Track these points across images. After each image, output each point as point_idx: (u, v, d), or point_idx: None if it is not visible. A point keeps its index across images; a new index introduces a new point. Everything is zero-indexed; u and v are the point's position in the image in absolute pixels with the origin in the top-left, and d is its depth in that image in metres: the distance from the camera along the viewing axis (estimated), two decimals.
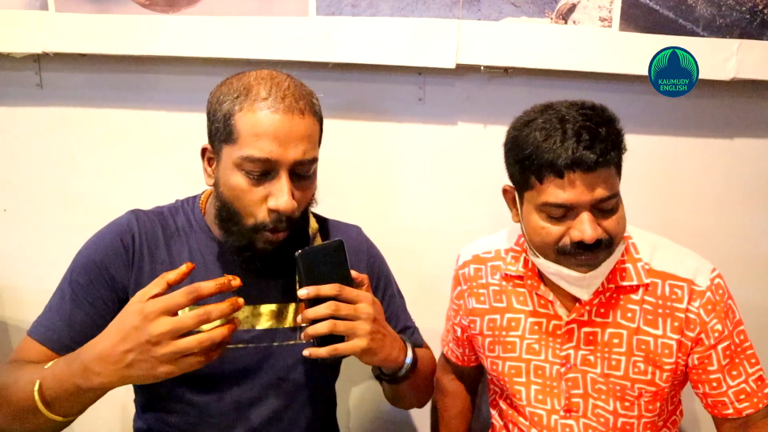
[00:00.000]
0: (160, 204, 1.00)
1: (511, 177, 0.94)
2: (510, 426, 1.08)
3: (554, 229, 0.87)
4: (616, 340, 0.96)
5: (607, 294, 0.96)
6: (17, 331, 1.50)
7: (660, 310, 0.94)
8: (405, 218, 1.39)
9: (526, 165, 0.87)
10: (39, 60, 1.38)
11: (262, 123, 0.82)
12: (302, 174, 0.86)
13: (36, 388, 0.74)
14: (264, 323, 0.93)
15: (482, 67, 1.27)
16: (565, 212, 0.86)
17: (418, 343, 1.09)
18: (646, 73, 1.23)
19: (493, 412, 1.15)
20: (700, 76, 1.14)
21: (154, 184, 1.41)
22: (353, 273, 0.83)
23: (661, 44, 1.21)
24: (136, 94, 1.39)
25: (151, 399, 0.95)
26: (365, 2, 1.24)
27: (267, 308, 0.94)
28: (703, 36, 1.22)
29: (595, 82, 1.29)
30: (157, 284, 0.72)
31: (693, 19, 1.21)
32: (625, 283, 0.95)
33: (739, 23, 1.21)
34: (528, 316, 1.01)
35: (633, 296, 0.96)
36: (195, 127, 1.38)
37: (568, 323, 0.97)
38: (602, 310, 0.96)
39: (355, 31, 1.25)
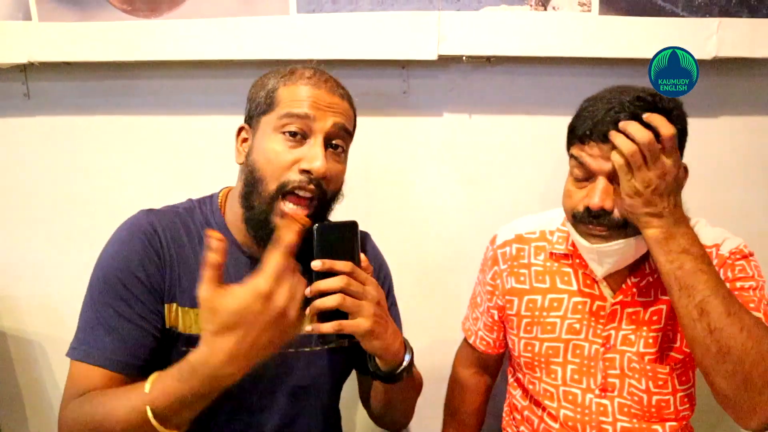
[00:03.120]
0: (153, 205, 0.97)
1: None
2: (534, 408, 1.09)
3: (576, 193, 0.93)
4: (655, 318, 0.99)
5: (656, 275, 0.98)
6: (16, 340, 1.51)
7: None
8: (393, 211, 1.40)
9: (569, 129, 0.95)
10: (25, 70, 1.38)
11: (303, 91, 0.87)
12: (336, 146, 0.89)
13: (150, 415, 0.71)
14: None
15: (464, 58, 1.28)
16: (587, 176, 0.91)
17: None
18: (627, 56, 1.24)
19: (515, 393, 1.15)
20: None
21: (146, 189, 1.42)
22: (362, 257, 0.83)
23: (641, 26, 1.22)
24: (124, 100, 1.39)
25: None
26: None
27: None
28: (682, 16, 1.22)
29: (578, 67, 1.30)
30: (212, 277, 0.69)
31: (672, 0, 1.22)
32: None
33: (717, 2, 1.22)
34: (572, 296, 1.03)
35: None
36: (184, 130, 1.40)
37: (613, 305, 1.00)
38: (645, 290, 0.99)
39: (337, 27, 1.25)
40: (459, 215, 1.39)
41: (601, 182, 0.89)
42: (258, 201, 0.86)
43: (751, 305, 0.91)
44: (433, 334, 1.36)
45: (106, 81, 1.39)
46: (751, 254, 0.98)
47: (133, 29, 1.29)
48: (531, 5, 1.23)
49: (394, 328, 0.88)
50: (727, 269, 0.95)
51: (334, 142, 0.89)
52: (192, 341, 0.87)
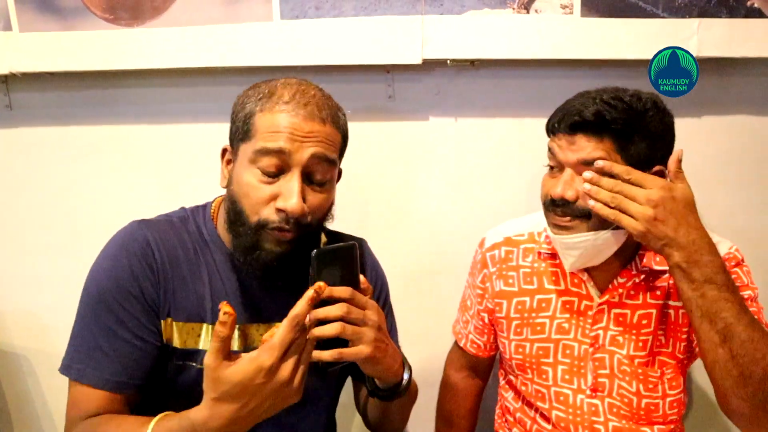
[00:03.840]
0: (138, 215, 0.96)
1: None
2: (526, 409, 1.09)
3: (548, 183, 0.95)
4: (644, 321, 0.99)
5: (642, 276, 0.98)
6: (1, 354, 1.49)
7: None
8: (381, 215, 1.40)
9: (547, 121, 0.97)
10: (7, 81, 1.37)
11: (280, 122, 0.82)
12: (317, 179, 0.85)
13: None
14: None
15: (449, 61, 1.28)
16: (558, 166, 0.93)
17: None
18: (610, 57, 1.25)
19: (506, 395, 1.15)
20: None
21: (131, 198, 1.41)
22: (361, 278, 0.80)
23: (623, 28, 1.24)
24: (107, 110, 1.38)
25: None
26: (328, 4, 1.25)
27: None
28: (663, 17, 1.24)
29: (561, 69, 1.31)
30: (218, 349, 0.69)
31: (652, 1, 1.23)
32: (658, 267, 0.98)
33: (697, 2, 1.23)
34: (559, 295, 1.04)
35: (663, 276, 0.98)
36: (169, 138, 1.39)
37: (599, 305, 1.00)
38: (632, 292, 0.99)
39: (321, 32, 1.25)
40: (447, 219, 1.39)
41: (567, 173, 0.91)
42: (243, 232, 0.84)
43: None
44: (423, 337, 1.36)
45: (89, 91, 1.38)
46: (743, 259, 0.99)
47: (116, 38, 1.28)
48: (514, 8, 1.24)
49: (394, 349, 0.87)
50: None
51: (314, 175, 0.84)
52: (187, 356, 0.87)
